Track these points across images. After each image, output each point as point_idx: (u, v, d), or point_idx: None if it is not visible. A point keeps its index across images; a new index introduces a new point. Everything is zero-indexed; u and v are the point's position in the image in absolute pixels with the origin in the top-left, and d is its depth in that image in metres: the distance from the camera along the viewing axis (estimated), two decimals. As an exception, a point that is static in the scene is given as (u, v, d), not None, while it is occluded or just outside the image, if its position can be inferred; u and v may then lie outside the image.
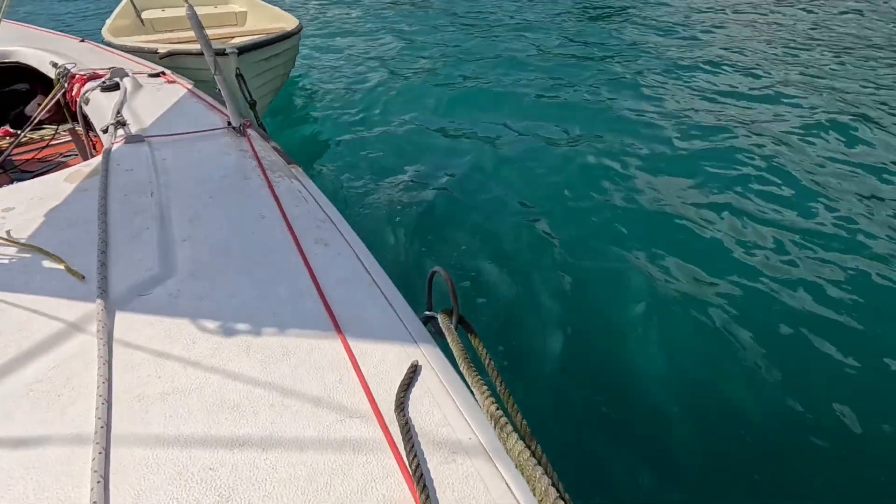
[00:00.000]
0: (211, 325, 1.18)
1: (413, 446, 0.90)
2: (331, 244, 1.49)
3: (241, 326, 1.18)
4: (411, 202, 3.58)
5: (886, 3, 8.65)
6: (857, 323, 2.54)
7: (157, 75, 3.15)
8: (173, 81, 3.04)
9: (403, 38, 7.96)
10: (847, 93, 5.35)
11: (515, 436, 0.84)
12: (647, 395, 2.21)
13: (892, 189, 3.70)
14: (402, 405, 0.99)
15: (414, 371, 1.07)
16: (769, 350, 2.40)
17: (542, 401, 2.18)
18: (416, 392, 1.03)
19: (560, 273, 2.91)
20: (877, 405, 2.15)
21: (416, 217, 3.40)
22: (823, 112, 4.89)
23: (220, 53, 3.37)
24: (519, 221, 3.37)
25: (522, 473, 0.81)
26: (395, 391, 1.02)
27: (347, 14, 9.52)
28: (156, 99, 2.69)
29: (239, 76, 3.34)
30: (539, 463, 0.79)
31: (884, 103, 5.10)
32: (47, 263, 1.36)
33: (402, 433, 0.93)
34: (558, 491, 0.74)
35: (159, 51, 3.91)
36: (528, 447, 0.82)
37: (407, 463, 0.88)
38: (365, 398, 1.01)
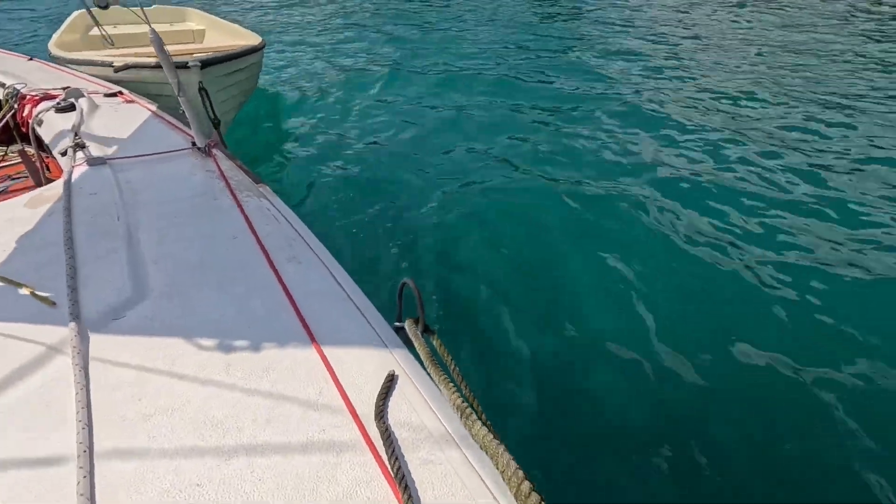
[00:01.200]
0: (189, 344, 1.20)
1: (394, 451, 0.96)
2: (303, 261, 1.53)
3: (219, 345, 1.21)
4: (380, 214, 3.62)
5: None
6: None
7: (113, 95, 3.10)
8: (132, 101, 3.01)
9: (364, 47, 8.04)
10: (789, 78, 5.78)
11: (479, 423, 0.96)
12: (611, 390, 2.32)
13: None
14: (381, 413, 1.04)
15: (391, 380, 1.12)
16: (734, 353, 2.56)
17: (502, 397, 2.27)
18: (394, 399, 1.08)
19: (524, 274, 3.03)
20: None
21: (385, 228, 3.44)
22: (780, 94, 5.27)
23: (182, 66, 3.27)
24: (485, 228, 3.46)
25: (487, 452, 0.92)
26: (374, 400, 1.07)
27: (306, 23, 9.51)
28: (115, 119, 2.65)
29: (202, 90, 3.27)
30: (501, 443, 0.91)
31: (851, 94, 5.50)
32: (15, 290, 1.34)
33: (382, 439, 0.98)
34: (517, 464, 0.86)
35: (114, 63, 3.76)
36: (491, 431, 0.95)
37: (389, 467, 0.94)
38: (345, 408, 1.06)
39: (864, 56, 7.08)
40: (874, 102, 5.53)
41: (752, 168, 4.25)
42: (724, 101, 5.68)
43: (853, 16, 9.31)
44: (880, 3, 10.10)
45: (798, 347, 2.56)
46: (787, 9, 9.92)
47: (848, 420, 2.19)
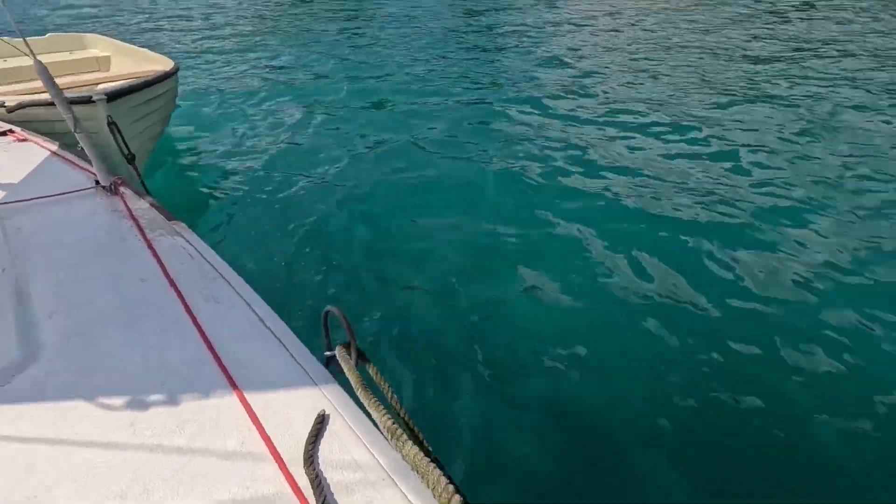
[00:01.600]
0: (90, 406, 1.08)
1: (325, 499, 0.89)
2: (222, 300, 1.43)
3: (126, 402, 1.09)
4: (304, 241, 3.46)
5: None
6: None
7: (3, 134, 2.83)
8: (24, 139, 2.76)
9: (281, 68, 7.87)
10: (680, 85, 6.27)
11: (410, 443, 0.93)
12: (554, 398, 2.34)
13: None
14: (311, 459, 0.97)
15: (322, 421, 1.05)
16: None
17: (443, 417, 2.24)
18: (324, 441, 1.02)
19: (454, 282, 3.01)
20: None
21: (313, 259, 3.28)
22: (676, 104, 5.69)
23: (86, 101, 3.03)
24: (409, 251, 3.39)
25: (417, 471, 0.89)
26: (304, 445, 1.00)
27: (221, 47, 9.19)
28: (3, 161, 2.42)
29: (112, 125, 3.03)
30: (431, 460, 0.89)
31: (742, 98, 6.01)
32: None
33: (313, 488, 0.91)
34: (450, 480, 0.84)
35: (7, 104, 3.43)
36: (422, 449, 0.92)
37: None
38: (271, 457, 0.98)
39: (759, 55, 7.83)
40: (777, 94, 6.14)
41: (653, 149, 4.76)
42: (631, 101, 6.15)
43: (752, 17, 10.31)
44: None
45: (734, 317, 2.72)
46: (692, 18, 10.79)
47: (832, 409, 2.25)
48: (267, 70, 7.85)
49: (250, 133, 5.46)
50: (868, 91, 6.18)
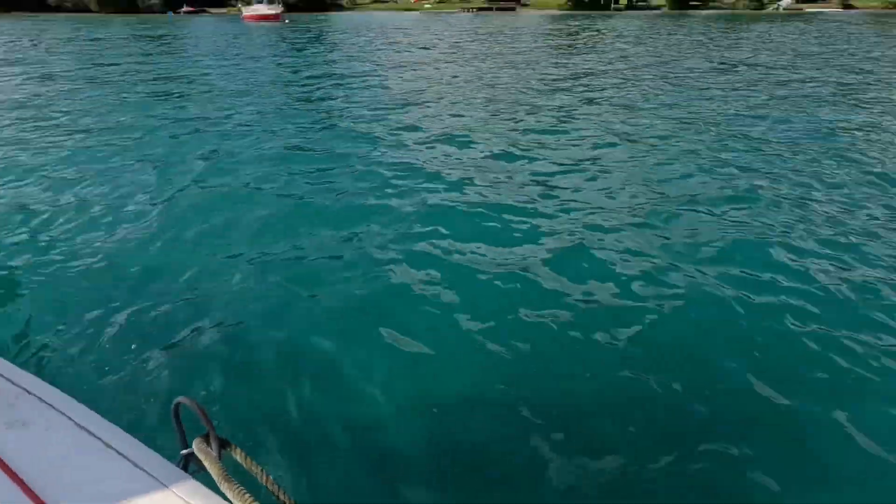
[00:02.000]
0: None
1: None
2: (33, 422, 1.20)
3: None
4: (133, 329, 2.94)
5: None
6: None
7: None
8: None
9: (86, 135, 7.08)
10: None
11: None
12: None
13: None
14: None
15: None
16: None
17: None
18: None
19: (310, 345, 2.86)
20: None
21: (143, 343, 2.80)
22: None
23: None
24: (252, 307, 3.17)
25: None
26: None
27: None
28: None
29: None
30: None
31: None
32: None
33: None
34: None
35: None
36: None
37: None
38: None
39: (559, 87, 9.12)
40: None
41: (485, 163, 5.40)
42: (451, 129, 7.00)
43: (550, 56, 11.97)
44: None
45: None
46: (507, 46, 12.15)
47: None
48: (68, 142, 6.88)
49: (51, 218, 4.54)
50: (644, 109, 7.64)
